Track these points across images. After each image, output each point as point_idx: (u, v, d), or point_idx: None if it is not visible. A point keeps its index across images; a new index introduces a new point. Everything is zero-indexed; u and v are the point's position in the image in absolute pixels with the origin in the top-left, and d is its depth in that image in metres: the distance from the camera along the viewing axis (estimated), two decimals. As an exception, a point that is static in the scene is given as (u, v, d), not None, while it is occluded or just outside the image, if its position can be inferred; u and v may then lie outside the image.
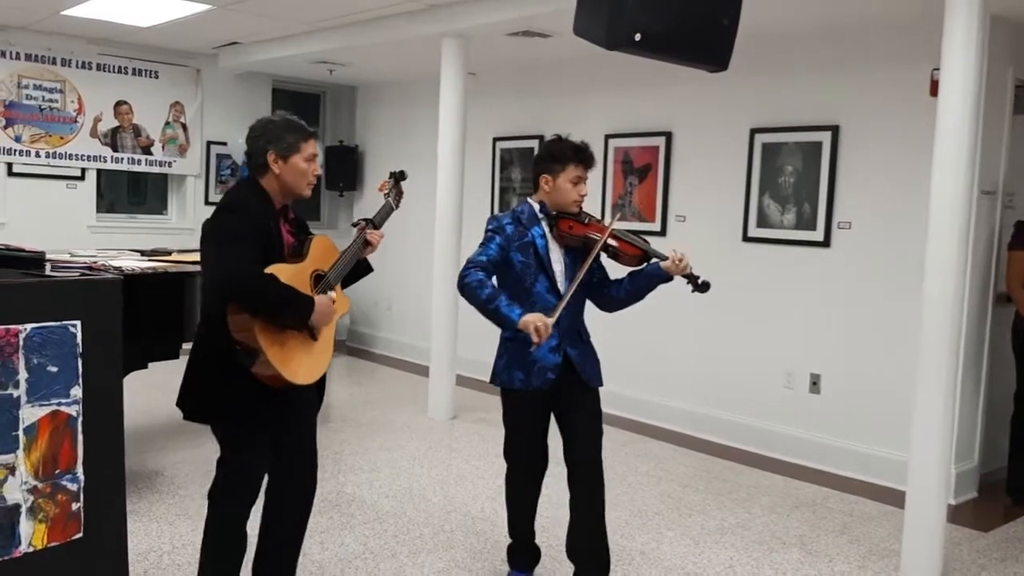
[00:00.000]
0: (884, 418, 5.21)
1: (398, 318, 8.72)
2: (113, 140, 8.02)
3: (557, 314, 3.16)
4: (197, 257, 5.47)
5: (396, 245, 7.35)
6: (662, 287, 3.43)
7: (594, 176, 6.73)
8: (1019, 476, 5.03)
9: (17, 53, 7.45)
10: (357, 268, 3.20)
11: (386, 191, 3.36)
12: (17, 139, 7.51)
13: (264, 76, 8.85)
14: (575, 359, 3.36)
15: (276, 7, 6.32)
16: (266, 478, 3.08)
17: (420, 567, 3.82)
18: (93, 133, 7.90)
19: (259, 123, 2.99)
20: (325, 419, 5.99)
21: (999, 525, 4.70)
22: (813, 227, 5.61)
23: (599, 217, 3.48)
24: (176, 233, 8.35)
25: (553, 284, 3.33)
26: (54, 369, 1.98)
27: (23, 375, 1.92)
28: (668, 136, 6.35)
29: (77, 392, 2.03)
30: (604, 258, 3.39)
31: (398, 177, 3.41)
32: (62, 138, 7.73)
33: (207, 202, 8.67)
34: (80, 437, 2.04)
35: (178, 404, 2.96)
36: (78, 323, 2.02)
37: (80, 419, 2.04)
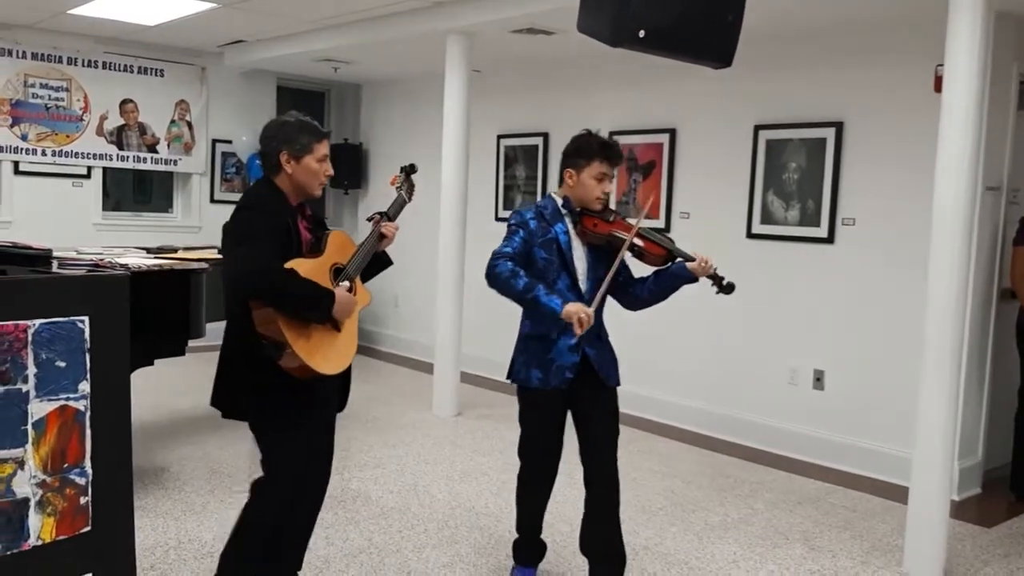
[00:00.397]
0: (887, 414, 5.22)
1: (403, 315, 8.74)
2: (119, 138, 8.05)
3: (595, 305, 3.12)
4: (203, 254, 5.55)
5: (401, 242, 7.34)
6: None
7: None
8: (1023, 472, 5.03)
9: (23, 52, 7.48)
10: (377, 262, 3.23)
11: (398, 184, 3.38)
12: (23, 138, 7.55)
13: (269, 74, 8.88)
14: (593, 358, 3.31)
15: (281, 5, 6.34)
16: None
17: (425, 562, 3.84)
18: (99, 131, 7.93)
19: (273, 124, 3.02)
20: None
21: (1002, 521, 4.71)
22: (817, 224, 5.61)
23: (624, 214, 3.41)
24: (181, 231, 8.38)
25: (575, 282, 3.29)
26: (62, 364, 2.00)
27: (32, 370, 1.94)
28: (672, 133, 6.36)
29: (85, 387, 2.05)
30: (628, 257, 3.32)
31: (408, 170, 3.42)
32: (68, 136, 7.77)
33: (212, 200, 8.71)
34: (88, 432, 2.06)
35: (212, 403, 3.00)
36: (86, 319, 2.04)
37: (88, 414, 2.06)
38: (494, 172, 7.78)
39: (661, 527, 4.37)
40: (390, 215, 3.24)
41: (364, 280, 3.19)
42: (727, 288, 3.32)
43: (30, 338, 1.93)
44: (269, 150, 2.96)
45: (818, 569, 3.96)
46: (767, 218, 5.87)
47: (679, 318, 6.19)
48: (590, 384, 3.32)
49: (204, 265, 4.87)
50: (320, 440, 3.13)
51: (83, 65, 7.79)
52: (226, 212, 9.70)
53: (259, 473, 3.07)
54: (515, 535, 3.67)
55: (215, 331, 5.10)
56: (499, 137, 7.73)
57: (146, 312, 4.21)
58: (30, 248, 4.13)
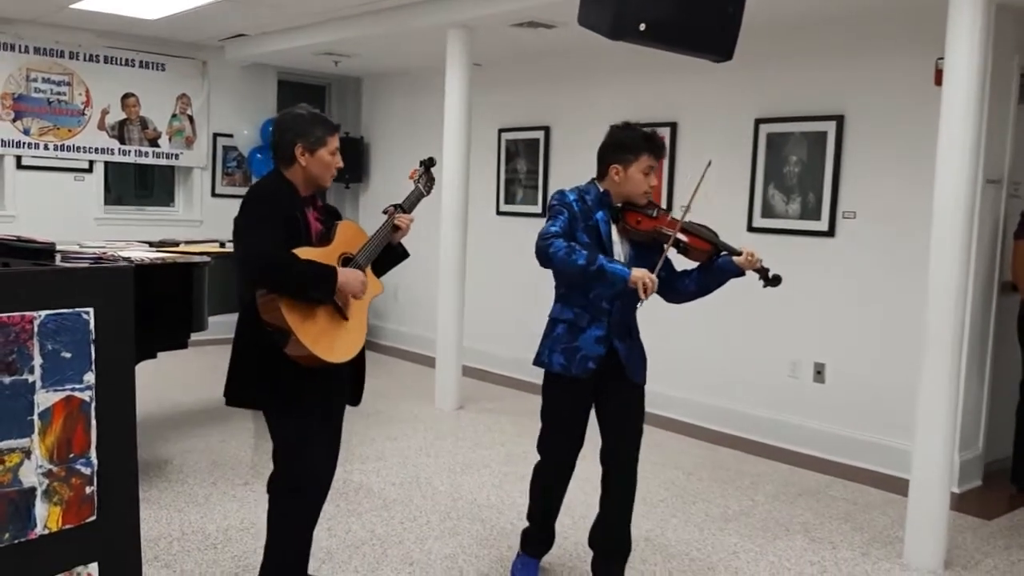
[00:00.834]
0: (888, 407, 5.23)
1: (405, 309, 8.75)
2: (120, 132, 8.06)
3: (658, 270, 3.08)
4: (205, 248, 5.57)
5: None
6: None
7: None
8: None
9: (26, 47, 7.50)
10: (392, 254, 3.24)
11: (416, 178, 3.39)
12: (26, 132, 7.56)
13: (270, 68, 8.89)
14: (622, 352, 3.26)
15: (282, -1, 6.35)
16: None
17: (427, 553, 3.86)
18: (100, 126, 7.95)
19: (288, 116, 3.04)
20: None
21: (1003, 513, 4.72)
22: (818, 217, 5.62)
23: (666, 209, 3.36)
24: (183, 225, 8.40)
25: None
26: (68, 355, 2.01)
27: (38, 360, 1.95)
28: (673, 127, 6.37)
29: (90, 378, 2.06)
30: (673, 253, 3.23)
31: (428, 164, 3.44)
32: (70, 131, 7.78)
33: (213, 194, 8.73)
34: (93, 422, 2.07)
35: (225, 394, 3.02)
36: (91, 310, 2.05)
37: (93, 404, 2.07)
38: (495, 166, 7.79)
39: (662, 519, 4.39)
40: (405, 207, 3.25)
41: (380, 273, 3.21)
42: (774, 280, 3.24)
43: (36, 329, 1.95)
44: (283, 142, 2.99)
45: (818, 561, 3.98)
46: (768, 211, 5.87)
47: (679, 312, 6.16)
48: (617, 379, 3.27)
49: (206, 258, 4.89)
50: (327, 430, 3.15)
51: (85, 59, 7.80)
52: (227, 206, 9.74)
53: (270, 467, 3.10)
54: (524, 524, 3.62)
55: (217, 324, 5.15)
56: (500, 131, 7.74)
57: (149, 305, 4.23)
58: (34, 242, 4.16)
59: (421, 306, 8.35)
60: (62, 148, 7.75)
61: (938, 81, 4.47)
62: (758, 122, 5.88)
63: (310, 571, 3.33)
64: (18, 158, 7.58)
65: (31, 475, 1.97)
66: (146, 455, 4.90)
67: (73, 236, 5.87)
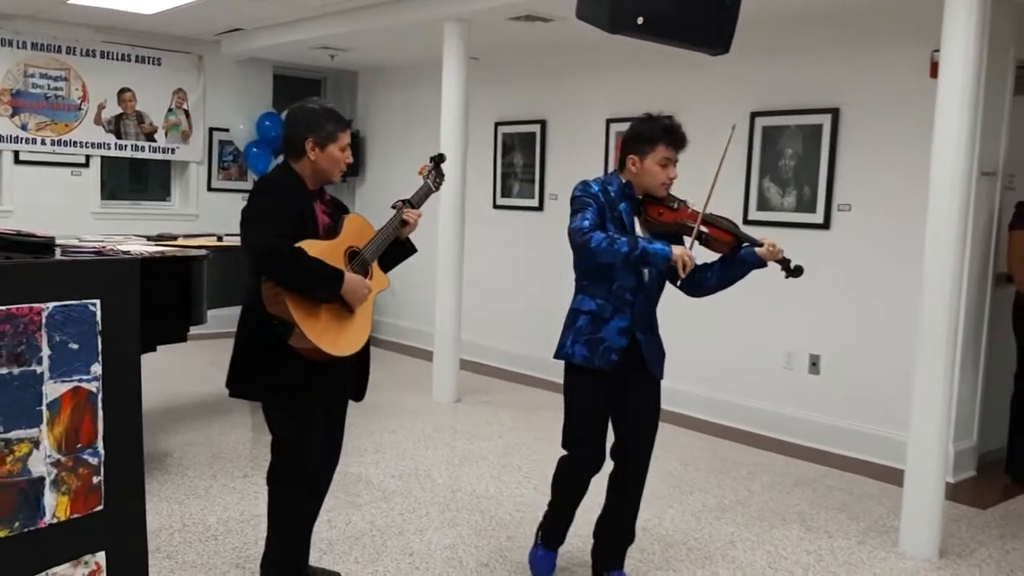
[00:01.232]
0: (883, 398, 5.27)
1: (402, 303, 8.77)
2: (117, 127, 8.07)
3: (691, 248, 3.12)
4: (203, 242, 5.58)
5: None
6: None
7: (596, 160, 6.84)
8: (1018, 455, 5.09)
9: (23, 42, 7.50)
10: (400, 249, 3.26)
11: (425, 173, 3.41)
12: (23, 127, 7.56)
13: (265, 62, 8.89)
14: (644, 345, 3.26)
15: (279, -7, 6.36)
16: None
17: (427, 544, 3.89)
18: (97, 120, 7.95)
19: (300, 110, 3.05)
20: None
21: (997, 503, 4.77)
22: (813, 210, 5.66)
23: (684, 199, 3.31)
24: (179, 219, 8.40)
25: None
26: (75, 346, 2.03)
27: (46, 352, 1.97)
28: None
29: (97, 369, 2.08)
30: (695, 245, 3.20)
31: (438, 160, 3.46)
32: (67, 126, 7.78)
33: (209, 188, 8.75)
34: (100, 412, 2.09)
35: (227, 384, 3.04)
36: (97, 302, 2.07)
37: (100, 395, 2.09)
38: (492, 160, 7.81)
39: (660, 508, 4.42)
40: (413, 202, 3.27)
41: (388, 268, 3.23)
42: (796, 271, 3.24)
43: (44, 321, 1.97)
44: (295, 136, 3.00)
45: (814, 549, 4.02)
46: (763, 204, 5.91)
47: (675, 304, 6.20)
48: (637, 372, 3.26)
49: (205, 252, 4.91)
50: (330, 423, 3.17)
51: (81, 54, 7.80)
52: (223, 200, 9.69)
53: (268, 459, 3.12)
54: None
55: (216, 318, 5.17)
56: (496, 124, 7.76)
57: (148, 299, 4.23)
58: (34, 236, 4.17)
59: (419, 300, 8.37)
60: (59, 143, 7.75)
61: (933, 74, 4.50)
62: (754, 115, 5.91)
63: (311, 562, 3.36)
64: (16, 153, 7.58)
65: (40, 465, 1.99)
66: (146, 448, 4.86)
67: (70, 230, 5.87)
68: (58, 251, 4.25)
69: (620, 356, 3.19)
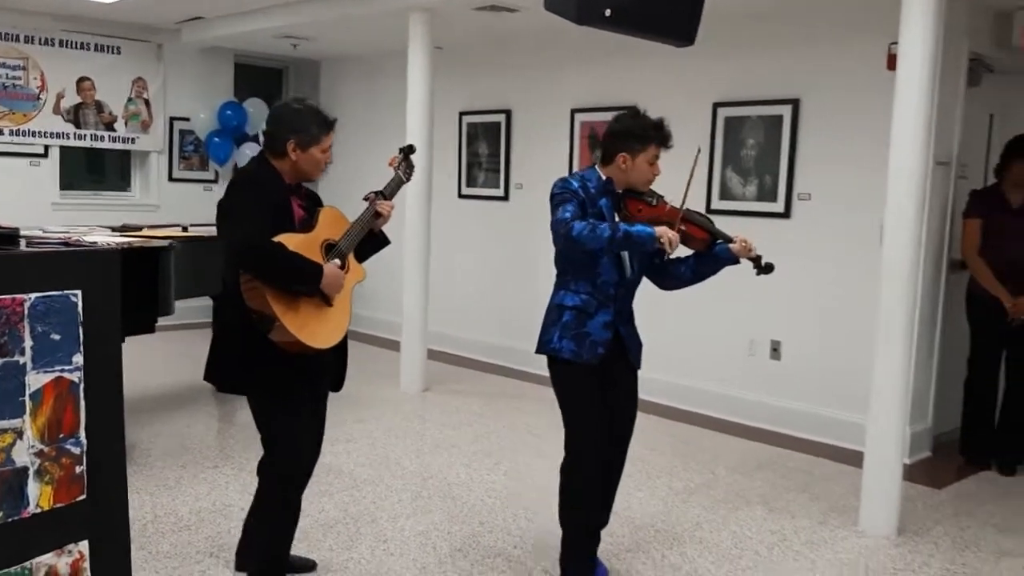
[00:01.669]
0: (842, 382, 5.40)
1: (368, 294, 8.75)
2: (76, 117, 7.96)
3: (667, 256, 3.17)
4: (169, 232, 5.55)
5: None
6: None
7: (562, 150, 6.90)
8: (971, 436, 5.26)
9: (-20, 31, 7.36)
10: (375, 241, 3.28)
11: (396, 164, 3.44)
12: (-20, 117, 7.44)
13: (226, 51, 8.82)
14: (625, 337, 3.34)
15: (242, -19, 6.31)
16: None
17: (400, 531, 3.93)
18: (56, 110, 7.84)
19: (286, 109, 3.07)
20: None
21: (952, 483, 4.92)
22: (774, 199, 5.77)
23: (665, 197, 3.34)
24: (140, 210, 8.33)
25: (619, 257, 3.25)
26: (57, 337, 2.04)
27: (28, 342, 1.98)
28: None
29: (79, 359, 2.09)
30: None
31: (407, 151, 3.50)
32: (25, 116, 7.66)
33: (171, 178, 8.67)
34: (82, 403, 2.11)
35: (205, 377, 3.06)
36: (79, 293, 2.08)
37: (82, 385, 2.10)
38: (456, 150, 7.83)
39: (628, 492, 4.50)
40: (386, 194, 3.30)
41: (362, 259, 3.26)
42: (767, 268, 3.31)
43: (26, 312, 1.98)
44: (277, 135, 3.02)
45: (778, 529, 4.13)
46: (726, 194, 6.01)
47: (641, 293, 6.29)
48: (619, 363, 3.33)
49: (172, 243, 4.89)
50: (311, 414, 3.20)
51: (40, 43, 7.67)
52: (185, 190, 9.58)
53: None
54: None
55: (184, 310, 5.15)
56: (461, 114, 7.78)
57: (117, 290, 4.22)
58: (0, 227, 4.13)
59: (385, 291, 8.36)
60: (17, 133, 7.63)
61: (891, 66, 4.61)
62: (716, 106, 6.00)
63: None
64: (-27, 144, 7.46)
65: (23, 455, 2.00)
66: (114, 440, 4.89)
67: (30, 221, 5.79)
68: (23, 242, 4.21)
69: (605, 349, 3.25)
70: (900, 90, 4.00)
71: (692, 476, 4.83)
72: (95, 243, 4.45)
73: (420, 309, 6.51)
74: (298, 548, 3.63)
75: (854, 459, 4.72)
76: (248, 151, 8.30)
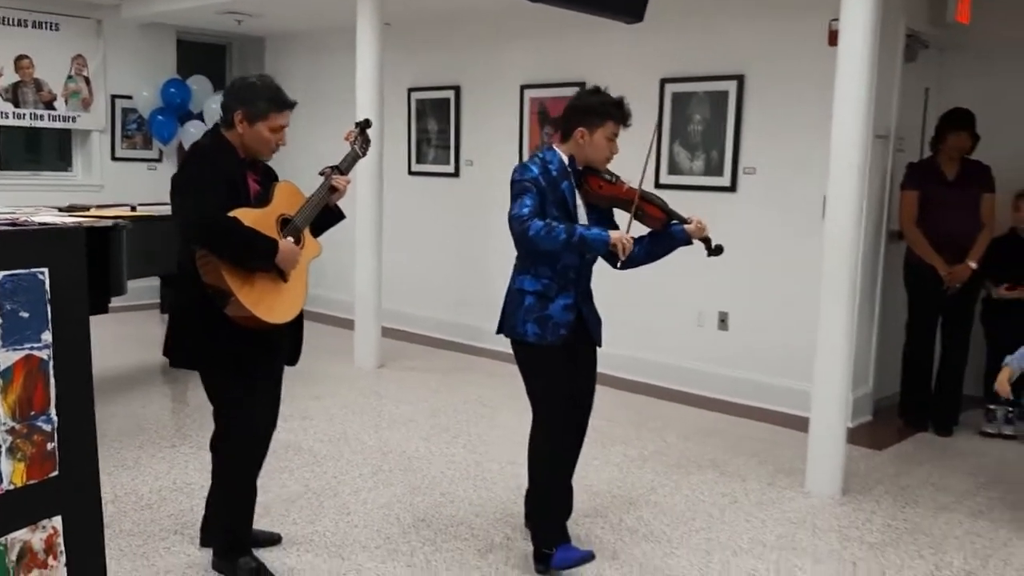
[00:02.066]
0: (788, 351, 5.57)
1: (321, 271, 8.72)
2: (14, 95, 7.78)
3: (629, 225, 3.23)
4: (117, 212, 5.48)
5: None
6: None
7: (511, 126, 6.94)
8: (910, 400, 5.47)
9: (-91, 6, 7.14)
10: (329, 215, 3.30)
11: (352, 139, 3.46)
12: (-86, 96, 7.23)
13: (168, 27, 8.67)
14: (587, 316, 3.42)
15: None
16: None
17: (363, 503, 3.98)
18: (-7, 89, 7.65)
19: (240, 82, 3.10)
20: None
21: (892, 444, 5.13)
22: (720, 173, 5.89)
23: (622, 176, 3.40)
24: (83, 190, 8.17)
25: None
26: (25, 315, 2.05)
27: (-2, 321, 1.99)
28: (582, 86, 6.51)
29: (47, 336, 2.10)
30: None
31: (364, 125, 3.53)
32: (-39, 94, 7.47)
33: (113, 158, 8.53)
34: (52, 380, 2.12)
35: (164, 353, 3.07)
36: (46, 270, 2.09)
37: (51, 363, 2.12)
38: (406, 126, 7.83)
39: (584, 461, 4.53)
40: (342, 169, 3.32)
41: (317, 233, 3.28)
42: (717, 250, 3.39)
43: (-5, 290, 1.98)
44: (227, 105, 3.04)
45: (729, 492, 4.28)
46: (673, 168, 6.12)
47: (594, 267, 6.41)
48: (581, 342, 3.42)
49: (122, 222, 4.84)
50: (267, 389, 3.23)
51: (-26, 20, 7.48)
52: (129, 169, 9.42)
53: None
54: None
55: (136, 290, 5.11)
56: (409, 91, 7.77)
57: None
58: (-54, 208, 4.05)
59: (338, 268, 8.34)
60: (-46, 112, 7.44)
61: (832, 42, 4.74)
62: (663, 82, 6.09)
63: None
64: (-95, 123, 7.25)
65: (-4, 432, 2.01)
66: (67, 422, 4.85)
67: (-31, 203, 5.70)
68: (-30, 223, 4.14)
69: (568, 330, 3.32)
70: (841, 65, 4.13)
71: (646, 444, 4.96)
72: (44, 223, 4.39)
73: (374, 285, 6.53)
74: (261, 523, 3.67)
75: (800, 424, 4.89)
76: (192, 129, 8.18)
